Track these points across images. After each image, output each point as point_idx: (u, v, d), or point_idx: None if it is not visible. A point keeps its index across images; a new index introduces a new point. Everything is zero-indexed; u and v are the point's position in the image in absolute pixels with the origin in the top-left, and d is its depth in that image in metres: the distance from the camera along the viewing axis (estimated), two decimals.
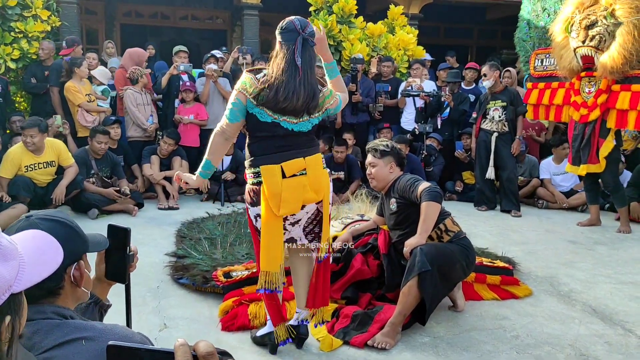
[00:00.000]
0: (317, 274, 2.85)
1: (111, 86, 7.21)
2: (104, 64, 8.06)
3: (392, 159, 3.41)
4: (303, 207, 2.72)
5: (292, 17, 2.70)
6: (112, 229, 1.72)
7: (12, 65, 7.01)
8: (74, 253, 1.38)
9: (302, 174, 2.67)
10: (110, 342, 0.71)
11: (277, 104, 2.59)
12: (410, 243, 3.11)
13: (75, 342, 1.18)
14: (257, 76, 2.65)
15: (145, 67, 7.17)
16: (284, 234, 2.77)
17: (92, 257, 1.58)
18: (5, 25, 7.05)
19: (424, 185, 3.18)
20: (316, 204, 2.77)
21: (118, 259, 1.71)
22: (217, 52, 7.72)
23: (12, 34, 7.04)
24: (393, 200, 3.37)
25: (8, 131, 6.61)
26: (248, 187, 2.76)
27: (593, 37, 5.26)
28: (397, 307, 3.05)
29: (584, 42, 5.34)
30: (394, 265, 3.43)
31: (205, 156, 2.78)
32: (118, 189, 5.99)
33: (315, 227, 2.86)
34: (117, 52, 9.15)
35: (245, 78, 2.66)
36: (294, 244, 2.92)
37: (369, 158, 3.47)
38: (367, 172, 3.53)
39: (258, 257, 2.82)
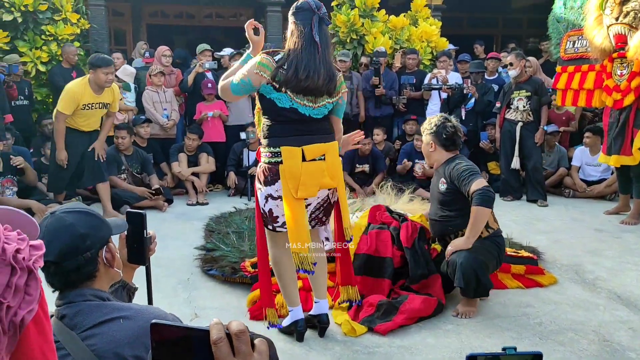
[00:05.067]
0: (340, 258, 2.97)
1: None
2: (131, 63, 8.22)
3: (432, 138, 3.44)
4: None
5: None
6: (129, 215, 1.85)
7: (42, 69, 7.23)
8: (102, 237, 1.51)
9: (321, 159, 2.70)
10: (153, 321, 0.79)
11: (298, 83, 2.58)
12: (456, 244, 3.23)
13: (114, 321, 1.29)
14: (276, 59, 2.63)
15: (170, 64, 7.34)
16: None
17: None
18: (37, 29, 7.28)
19: (477, 183, 3.15)
20: (327, 190, 2.81)
21: (137, 243, 1.84)
22: (228, 50, 7.79)
23: (43, 37, 7.26)
24: (443, 180, 3.39)
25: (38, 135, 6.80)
26: (262, 165, 2.75)
27: (627, 13, 5.02)
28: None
29: (617, 18, 5.11)
30: (417, 257, 3.48)
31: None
32: (150, 186, 6.16)
33: (320, 213, 2.90)
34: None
35: (262, 59, 2.61)
36: None
37: None
38: None
39: (259, 244, 2.92)
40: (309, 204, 2.81)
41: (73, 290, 1.42)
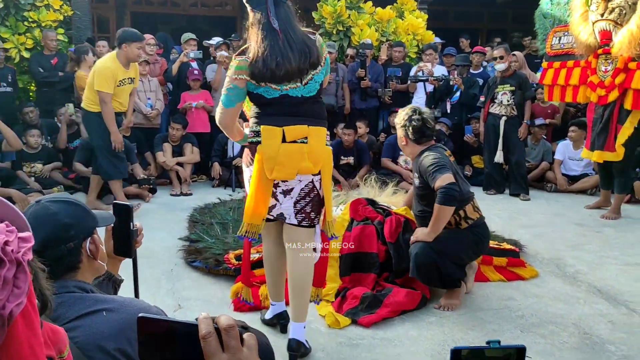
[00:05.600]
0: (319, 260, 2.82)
1: None
2: None
3: (402, 132, 3.38)
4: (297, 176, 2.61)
5: None
6: (116, 206, 1.83)
7: (27, 55, 7.11)
8: (87, 229, 1.49)
9: (303, 141, 2.56)
10: (141, 315, 0.78)
11: (273, 74, 2.45)
12: (417, 235, 3.24)
13: (97, 313, 1.28)
14: (247, 55, 2.52)
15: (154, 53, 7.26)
16: (275, 206, 2.64)
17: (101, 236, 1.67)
18: (19, 15, 7.16)
19: (441, 180, 3.07)
20: (312, 176, 2.63)
21: (124, 235, 1.83)
22: (217, 39, 7.73)
23: (26, 23, 7.14)
24: (416, 175, 3.36)
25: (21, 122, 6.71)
26: (247, 145, 2.67)
27: (613, 10, 5.04)
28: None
29: (602, 15, 5.14)
30: (402, 251, 3.50)
31: (234, 141, 2.87)
32: (134, 175, 6.10)
33: (307, 205, 2.66)
34: None
35: (235, 62, 2.54)
36: (286, 227, 2.73)
37: None
38: None
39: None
40: (291, 189, 2.62)
41: (56, 282, 1.40)
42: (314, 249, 2.74)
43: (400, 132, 3.41)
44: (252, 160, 2.61)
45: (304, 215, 2.66)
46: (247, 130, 2.73)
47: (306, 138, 2.57)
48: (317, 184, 2.65)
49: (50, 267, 1.39)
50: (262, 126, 2.56)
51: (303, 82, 2.54)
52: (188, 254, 4.09)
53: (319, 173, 2.64)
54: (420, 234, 3.23)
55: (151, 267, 3.87)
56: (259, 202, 2.60)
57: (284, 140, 2.54)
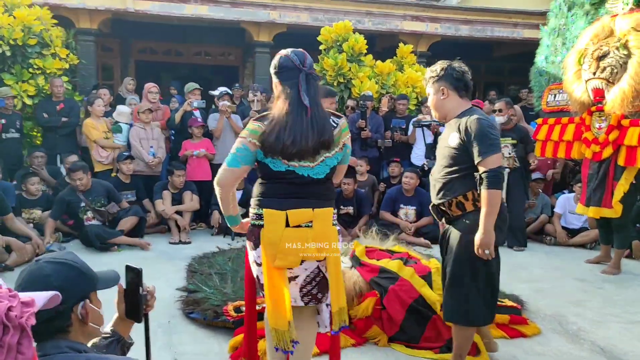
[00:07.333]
0: (331, 346, 2.73)
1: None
2: (123, 99, 8.25)
3: (441, 83, 2.97)
4: (302, 262, 2.46)
5: (287, 52, 2.49)
6: (128, 269, 1.81)
7: (29, 102, 7.21)
8: (79, 293, 1.50)
9: (308, 225, 2.44)
10: None
11: (285, 149, 2.36)
12: (477, 244, 2.79)
13: None
14: (264, 122, 2.43)
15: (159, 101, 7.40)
16: None
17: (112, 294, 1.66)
18: (25, 62, 7.29)
19: (493, 160, 2.73)
20: (317, 262, 2.49)
21: (134, 299, 1.80)
22: (221, 89, 7.86)
23: (30, 70, 7.27)
24: (456, 136, 2.88)
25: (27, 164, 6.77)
26: (250, 228, 2.56)
27: (604, 69, 5.14)
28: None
29: (594, 73, 5.24)
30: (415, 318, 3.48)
31: (224, 213, 2.62)
32: (116, 217, 6.10)
33: (313, 288, 2.54)
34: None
35: (252, 126, 2.44)
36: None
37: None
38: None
39: (248, 291, 2.76)
40: (297, 276, 2.50)
41: (49, 342, 1.41)
42: (318, 323, 2.67)
43: (436, 86, 2.99)
44: (253, 244, 2.50)
45: (310, 297, 2.56)
46: (250, 211, 2.58)
47: (311, 222, 2.44)
48: (322, 269, 2.54)
49: (39, 328, 1.40)
50: (264, 210, 2.44)
51: (314, 163, 2.45)
52: (186, 305, 4.04)
53: (324, 259, 2.50)
54: (477, 239, 2.78)
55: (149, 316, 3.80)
56: (279, 296, 2.40)
57: (287, 225, 2.41)
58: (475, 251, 2.79)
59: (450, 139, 2.93)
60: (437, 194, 3.01)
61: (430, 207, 3.13)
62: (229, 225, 2.65)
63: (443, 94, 2.97)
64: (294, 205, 2.43)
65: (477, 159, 2.76)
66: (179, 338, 3.59)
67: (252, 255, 2.57)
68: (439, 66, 3.01)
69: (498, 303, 3.89)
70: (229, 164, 2.46)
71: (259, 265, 2.51)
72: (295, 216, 2.42)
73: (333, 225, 2.53)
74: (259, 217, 2.47)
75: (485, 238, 2.76)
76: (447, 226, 3.04)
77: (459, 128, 2.87)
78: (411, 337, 3.51)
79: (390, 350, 3.46)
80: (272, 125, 2.38)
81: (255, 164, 2.52)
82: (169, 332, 3.68)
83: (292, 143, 2.35)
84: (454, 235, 2.94)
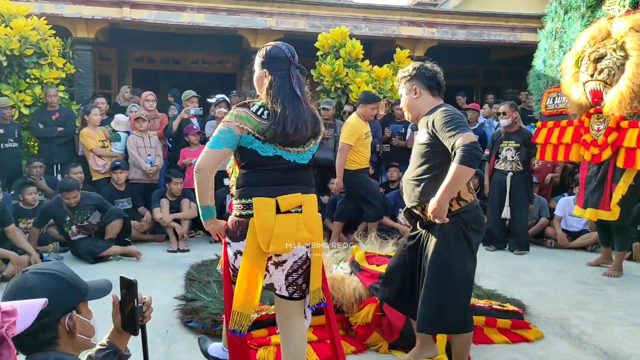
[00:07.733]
0: (329, 325, 2.72)
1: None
2: (120, 108, 8.23)
3: (414, 82, 2.96)
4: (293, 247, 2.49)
5: (277, 43, 2.55)
6: (123, 280, 1.77)
7: (26, 111, 7.19)
8: (65, 305, 1.48)
9: (298, 211, 2.46)
10: None
11: (287, 137, 2.40)
12: (434, 214, 2.71)
13: None
14: (254, 111, 2.42)
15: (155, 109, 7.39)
16: (265, 276, 2.50)
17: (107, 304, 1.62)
18: (22, 73, 7.27)
19: (464, 138, 2.60)
20: (306, 247, 2.52)
21: (130, 310, 1.76)
22: (219, 96, 7.84)
23: (28, 80, 7.26)
24: (424, 131, 2.87)
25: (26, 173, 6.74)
26: (233, 219, 2.51)
27: (602, 71, 5.13)
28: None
29: (592, 75, 5.22)
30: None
31: (200, 203, 2.55)
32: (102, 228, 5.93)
33: (299, 277, 2.57)
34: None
35: (241, 112, 2.41)
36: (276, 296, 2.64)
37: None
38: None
39: (227, 301, 2.64)
40: (284, 261, 2.52)
41: (37, 354, 1.39)
42: (305, 317, 2.67)
43: (408, 86, 2.98)
44: (238, 235, 2.46)
45: (295, 287, 2.58)
46: (233, 203, 2.56)
47: (300, 207, 2.47)
48: (309, 255, 2.56)
49: (25, 340, 1.37)
50: (254, 198, 2.41)
51: (304, 149, 2.51)
52: (184, 314, 4.00)
53: (311, 245, 2.54)
54: (434, 208, 2.68)
55: (146, 328, 3.76)
56: (252, 284, 2.43)
57: (278, 211, 2.41)
58: (428, 215, 2.74)
59: (419, 136, 2.93)
60: (409, 196, 2.96)
61: (402, 212, 3.07)
62: (202, 220, 2.58)
63: (415, 93, 2.96)
64: (282, 192, 2.44)
65: (450, 142, 2.65)
66: (178, 347, 3.55)
67: (233, 247, 2.52)
68: (411, 66, 3.02)
69: (499, 307, 3.90)
70: (211, 145, 2.43)
71: (241, 254, 2.46)
72: (286, 202, 2.43)
73: (317, 212, 2.58)
74: (247, 206, 2.44)
75: (438, 208, 2.67)
76: (419, 230, 2.98)
77: (427, 124, 2.85)
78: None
79: (391, 357, 3.42)
80: (276, 116, 2.39)
81: (235, 154, 2.51)
82: (167, 341, 3.64)
83: (294, 132, 2.40)
84: (431, 242, 2.86)
